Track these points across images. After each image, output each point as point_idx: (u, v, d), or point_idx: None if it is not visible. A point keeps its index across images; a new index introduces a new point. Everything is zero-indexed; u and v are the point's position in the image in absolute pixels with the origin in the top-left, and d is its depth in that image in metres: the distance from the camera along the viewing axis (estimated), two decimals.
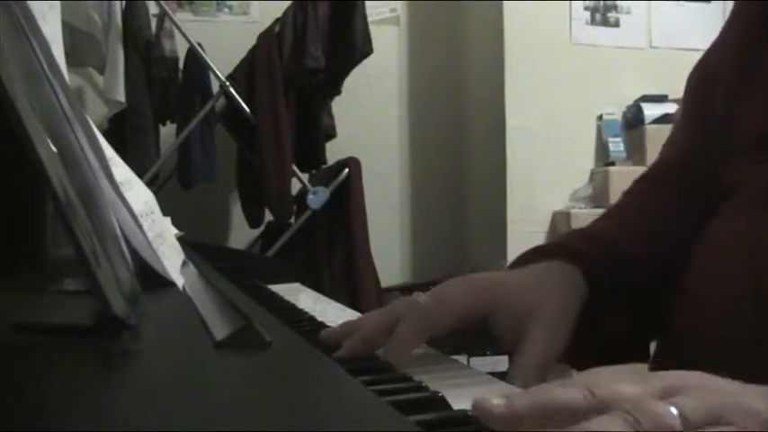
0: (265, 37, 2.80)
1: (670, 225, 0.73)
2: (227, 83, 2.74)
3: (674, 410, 0.36)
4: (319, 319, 0.72)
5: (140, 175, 1.01)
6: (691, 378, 0.40)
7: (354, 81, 2.97)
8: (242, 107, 2.74)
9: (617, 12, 3.16)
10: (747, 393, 0.39)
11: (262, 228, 2.99)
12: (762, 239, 0.59)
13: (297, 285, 1.05)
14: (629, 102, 3.10)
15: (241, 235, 3.16)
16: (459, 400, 0.41)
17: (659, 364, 0.66)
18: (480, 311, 0.58)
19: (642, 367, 0.50)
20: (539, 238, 2.83)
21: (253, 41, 2.82)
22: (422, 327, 0.56)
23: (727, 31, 0.73)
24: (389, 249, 3.30)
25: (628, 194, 0.81)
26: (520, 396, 0.37)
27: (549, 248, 0.66)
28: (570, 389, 0.37)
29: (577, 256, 0.64)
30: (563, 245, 0.67)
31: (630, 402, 0.36)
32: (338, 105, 3.05)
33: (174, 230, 0.97)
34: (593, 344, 0.64)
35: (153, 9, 2.85)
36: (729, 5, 0.75)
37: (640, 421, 0.35)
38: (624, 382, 0.39)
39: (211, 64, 2.77)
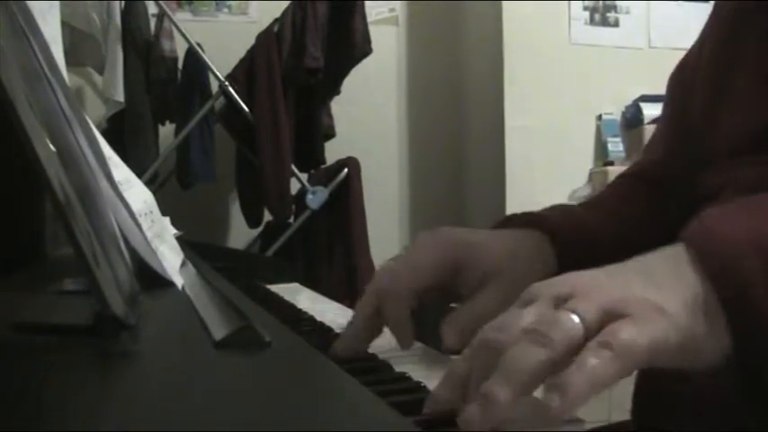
0: (264, 37, 2.80)
1: (639, 217, 0.74)
2: (227, 83, 2.74)
3: (573, 316, 0.37)
4: (319, 319, 0.72)
5: (139, 175, 1.01)
6: (574, 282, 0.40)
7: (354, 81, 2.97)
8: (241, 107, 2.74)
9: (616, 12, 3.16)
10: (628, 282, 0.40)
11: (261, 228, 2.99)
12: None
13: (296, 285, 1.05)
14: (629, 102, 3.10)
15: (240, 235, 3.16)
16: None
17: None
18: (449, 270, 0.59)
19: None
20: None
21: (252, 41, 2.82)
22: (401, 305, 0.57)
23: (705, 32, 0.73)
24: (389, 249, 3.29)
25: (608, 187, 0.82)
26: (494, 384, 0.36)
27: (523, 217, 0.67)
28: (515, 348, 0.37)
29: (548, 227, 0.65)
30: (536, 214, 0.68)
31: (529, 324, 0.37)
32: (337, 105, 3.04)
33: (174, 230, 0.97)
34: None
35: (152, 9, 2.85)
36: None
37: (546, 335, 0.36)
38: (520, 311, 0.40)
39: (211, 64, 2.77)
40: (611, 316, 0.37)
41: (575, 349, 0.36)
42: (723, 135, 0.65)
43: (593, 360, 0.35)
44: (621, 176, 0.82)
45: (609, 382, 0.35)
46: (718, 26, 0.70)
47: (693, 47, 0.76)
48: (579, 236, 0.67)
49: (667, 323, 0.38)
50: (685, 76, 0.76)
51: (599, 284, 0.40)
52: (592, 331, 0.37)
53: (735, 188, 0.62)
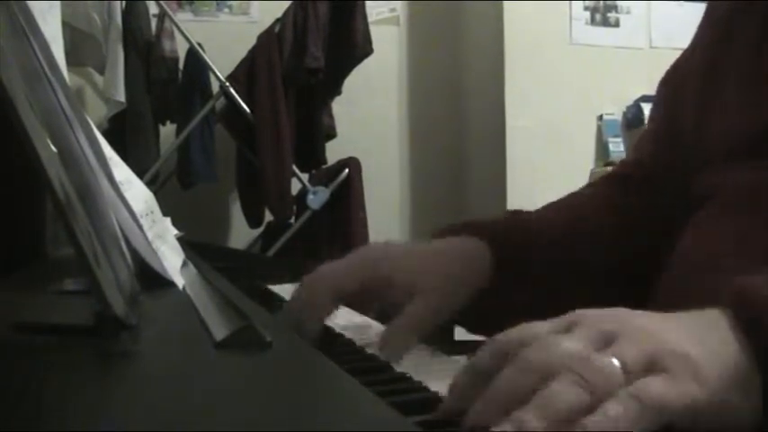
0: (265, 37, 2.80)
1: (602, 220, 0.75)
2: (227, 83, 2.74)
3: (616, 363, 0.37)
4: None
5: (140, 175, 1.01)
6: (623, 321, 0.40)
7: (354, 81, 2.97)
8: (242, 107, 2.74)
9: (617, 12, 3.16)
10: (675, 335, 0.40)
11: (262, 228, 2.99)
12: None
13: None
14: (630, 102, 3.10)
15: (241, 235, 3.16)
16: None
17: None
18: (373, 279, 0.62)
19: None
20: None
21: (253, 41, 2.82)
22: (316, 313, 0.62)
23: (698, 34, 0.73)
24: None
25: (584, 187, 0.84)
26: (528, 416, 0.36)
27: (460, 225, 0.69)
28: (557, 385, 0.37)
29: (483, 231, 0.67)
30: (472, 221, 0.69)
31: (574, 362, 0.37)
32: (338, 105, 3.04)
33: (174, 230, 0.97)
34: (499, 313, 0.62)
35: (153, 9, 2.85)
36: None
37: (589, 381, 0.36)
38: (563, 337, 0.40)
39: (211, 64, 2.77)
40: (651, 366, 0.38)
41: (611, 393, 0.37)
42: (716, 136, 0.65)
43: (618, 409, 0.36)
44: (602, 178, 0.83)
45: (630, 429, 0.35)
46: (711, 27, 0.70)
47: (686, 50, 0.76)
48: (521, 239, 0.68)
49: (700, 390, 0.38)
50: (677, 78, 0.76)
51: (647, 329, 0.40)
52: (631, 378, 0.37)
53: (731, 189, 0.62)
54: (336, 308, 0.63)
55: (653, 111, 0.82)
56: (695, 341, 0.40)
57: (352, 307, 0.69)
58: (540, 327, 0.42)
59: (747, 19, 0.64)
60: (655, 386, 0.37)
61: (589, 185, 0.84)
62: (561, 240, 0.72)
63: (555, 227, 0.73)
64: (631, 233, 0.73)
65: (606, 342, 0.39)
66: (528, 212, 0.75)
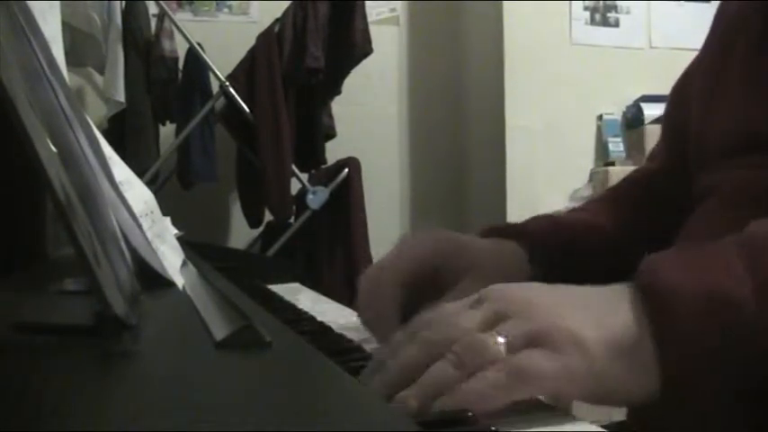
0: (265, 37, 2.80)
1: (632, 222, 0.78)
2: (227, 83, 2.74)
3: (500, 340, 0.40)
4: (319, 319, 0.72)
5: (140, 175, 1.01)
6: (519, 299, 0.43)
7: (354, 81, 2.97)
8: (242, 107, 2.74)
9: (617, 12, 3.16)
10: (565, 311, 0.42)
11: (261, 228, 2.99)
12: None
13: (297, 285, 1.05)
14: (629, 102, 3.10)
15: (241, 235, 3.16)
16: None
17: None
18: (437, 260, 0.65)
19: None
20: None
21: (252, 41, 2.82)
22: (384, 304, 0.62)
23: (707, 37, 0.75)
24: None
25: (609, 190, 0.86)
26: (411, 396, 0.39)
27: (504, 227, 0.73)
28: (437, 366, 0.40)
29: (523, 236, 0.71)
30: (513, 225, 0.74)
31: (457, 340, 0.41)
32: (338, 105, 3.04)
33: (174, 230, 0.97)
34: None
35: (153, 9, 2.85)
36: None
37: (464, 358, 0.40)
38: (459, 316, 0.43)
39: (211, 64, 2.77)
40: (534, 342, 0.40)
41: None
42: (716, 135, 0.66)
43: (490, 375, 0.39)
44: (623, 180, 0.86)
45: (499, 399, 0.38)
46: (719, 29, 0.71)
47: (697, 54, 0.77)
48: (556, 244, 0.71)
49: (579, 360, 0.40)
50: (686, 85, 0.78)
51: (540, 306, 0.43)
52: (513, 352, 0.40)
53: (730, 188, 0.62)
54: (403, 297, 0.63)
55: (663, 119, 0.84)
56: (584, 316, 0.42)
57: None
58: (451, 306, 0.45)
59: (751, 18, 0.64)
60: (528, 357, 0.40)
61: (613, 190, 0.86)
62: (588, 242, 0.75)
63: (581, 233, 0.76)
64: (644, 238, 0.75)
65: (498, 319, 0.42)
66: (560, 220, 0.79)
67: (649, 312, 0.42)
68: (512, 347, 0.40)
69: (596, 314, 0.43)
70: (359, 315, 0.65)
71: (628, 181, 0.85)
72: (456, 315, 0.44)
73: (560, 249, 0.71)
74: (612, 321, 0.42)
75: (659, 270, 0.44)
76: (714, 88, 0.67)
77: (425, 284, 0.64)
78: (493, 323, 0.42)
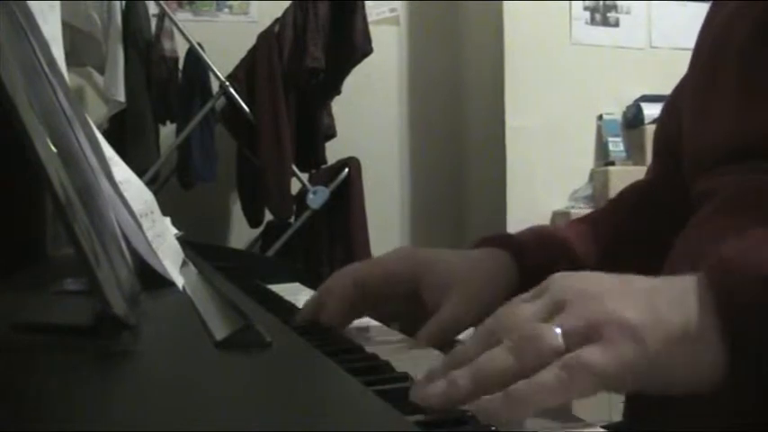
0: (265, 37, 2.80)
1: (633, 234, 0.79)
2: (227, 83, 2.74)
3: (557, 330, 0.41)
4: None
5: (140, 175, 1.01)
6: (577, 289, 0.43)
7: (354, 81, 2.97)
8: (242, 107, 2.74)
9: (617, 12, 3.16)
10: (621, 302, 0.42)
11: (262, 228, 2.99)
12: None
13: (297, 285, 1.04)
14: (629, 102, 3.09)
15: (241, 235, 3.16)
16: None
17: None
18: (407, 277, 0.67)
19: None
20: None
21: (253, 41, 2.82)
22: (338, 295, 0.66)
23: (696, 46, 0.75)
24: (389, 249, 3.29)
25: (609, 201, 0.87)
26: (461, 375, 0.40)
27: (491, 238, 0.74)
28: (493, 350, 0.41)
29: (513, 246, 0.71)
30: (505, 235, 0.75)
31: (515, 329, 0.42)
32: (338, 105, 3.04)
33: (174, 230, 0.97)
34: None
35: (153, 9, 2.85)
36: None
37: (521, 347, 0.40)
38: (523, 306, 0.44)
39: (211, 64, 2.76)
40: (590, 333, 0.40)
41: (549, 361, 0.40)
42: (710, 143, 0.66)
43: (547, 376, 0.39)
44: (622, 191, 0.86)
45: (557, 398, 0.39)
46: (709, 33, 0.71)
47: (688, 67, 0.78)
48: (545, 254, 0.72)
49: (639, 352, 0.40)
50: (678, 95, 0.79)
51: (596, 297, 0.42)
52: (570, 346, 0.40)
53: (727, 192, 0.62)
54: (357, 295, 0.66)
55: (657, 129, 0.86)
56: (642, 307, 0.42)
57: (371, 304, 0.70)
58: (516, 299, 0.46)
59: (742, 22, 0.64)
60: (587, 354, 0.39)
61: (613, 200, 0.86)
62: (583, 251, 0.75)
63: (575, 242, 0.76)
64: (646, 246, 0.75)
65: (557, 309, 0.42)
66: (551, 232, 0.79)
67: (713, 288, 0.42)
68: (567, 338, 0.40)
69: (655, 300, 0.42)
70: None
71: (627, 191, 0.85)
72: (516, 306, 0.45)
73: (551, 260, 0.71)
74: (673, 305, 0.42)
75: (722, 252, 0.44)
76: (706, 95, 0.68)
77: (383, 289, 0.67)
78: (552, 313, 0.42)
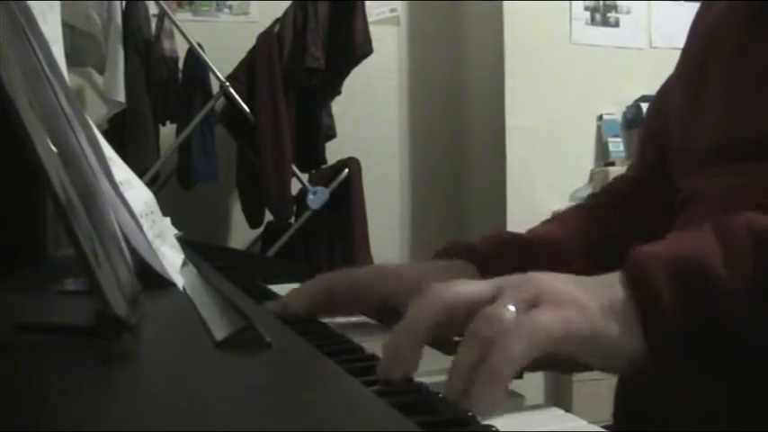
0: (265, 37, 2.80)
1: (607, 234, 0.80)
2: (227, 83, 2.74)
3: (511, 308, 0.43)
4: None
5: (140, 175, 1.01)
6: (517, 276, 0.47)
7: (354, 81, 2.97)
8: (242, 107, 2.74)
9: (617, 12, 3.16)
10: (565, 281, 0.46)
11: (262, 228, 2.99)
12: None
13: (297, 285, 1.04)
14: (629, 102, 3.09)
15: (241, 235, 3.16)
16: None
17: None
18: (375, 288, 0.69)
19: None
20: None
21: (253, 41, 2.82)
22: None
23: (685, 47, 0.75)
24: (389, 249, 3.30)
25: (588, 197, 0.88)
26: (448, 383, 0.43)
27: (452, 247, 0.76)
28: (461, 348, 0.43)
29: (473, 256, 0.73)
30: (464, 244, 0.76)
31: (476, 317, 0.44)
32: (338, 105, 3.04)
33: (174, 230, 0.97)
34: None
35: (153, 9, 2.85)
36: None
37: (484, 331, 0.43)
38: (495, 309, 0.45)
39: (211, 64, 2.76)
40: (536, 302, 0.44)
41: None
42: (698, 144, 0.66)
43: (507, 342, 0.41)
44: (599, 191, 0.87)
45: (518, 360, 0.41)
46: (698, 34, 0.71)
47: (675, 68, 0.78)
48: (508, 260, 0.73)
49: (582, 314, 0.44)
50: (664, 96, 0.79)
51: (541, 278, 0.46)
52: (522, 313, 0.43)
53: (709, 197, 0.63)
54: (322, 299, 0.70)
55: (642, 130, 0.86)
56: (581, 284, 0.46)
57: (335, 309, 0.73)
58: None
59: (730, 22, 0.64)
60: (537, 313, 0.43)
61: (591, 196, 0.88)
62: (541, 251, 0.77)
63: (535, 240, 0.78)
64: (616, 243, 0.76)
65: (501, 293, 0.45)
66: (510, 233, 0.82)
67: (629, 278, 0.47)
68: (519, 309, 0.43)
69: (590, 287, 0.46)
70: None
71: (604, 191, 0.86)
72: (496, 311, 0.46)
73: (512, 264, 0.73)
74: (604, 292, 0.46)
75: (642, 248, 0.48)
76: (695, 96, 0.68)
77: (349, 296, 0.70)
78: (497, 296, 0.45)
